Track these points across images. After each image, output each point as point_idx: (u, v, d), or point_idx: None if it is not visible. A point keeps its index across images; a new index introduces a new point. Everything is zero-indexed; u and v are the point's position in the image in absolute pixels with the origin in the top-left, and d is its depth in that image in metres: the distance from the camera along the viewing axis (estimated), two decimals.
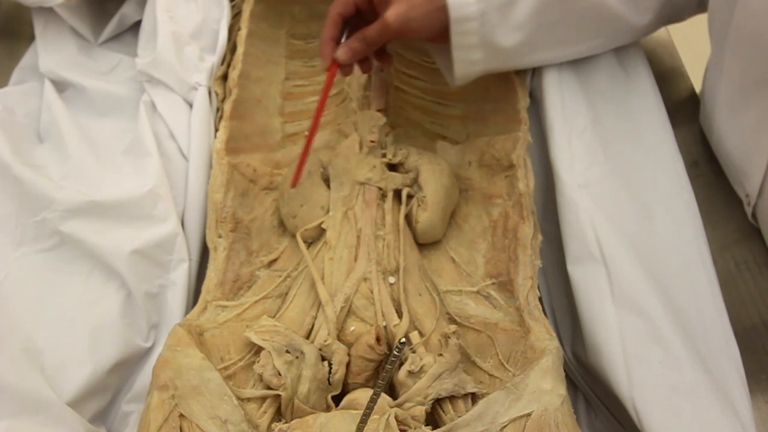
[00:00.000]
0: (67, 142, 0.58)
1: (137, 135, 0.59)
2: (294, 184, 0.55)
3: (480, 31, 0.52)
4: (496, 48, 0.53)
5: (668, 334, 0.46)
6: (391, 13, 0.51)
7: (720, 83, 0.56)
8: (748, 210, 0.58)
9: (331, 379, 0.45)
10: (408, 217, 0.55)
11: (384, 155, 0.57)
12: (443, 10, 0.51)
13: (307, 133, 0.57)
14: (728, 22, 0.50)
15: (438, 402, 0.44)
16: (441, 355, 0.44)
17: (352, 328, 0.48)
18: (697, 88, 0.68)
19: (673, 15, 0.61)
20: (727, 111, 0.57)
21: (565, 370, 0.44)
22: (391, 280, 0.50)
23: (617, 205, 0.53)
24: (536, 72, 0.65)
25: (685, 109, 0.66)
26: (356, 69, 0.65)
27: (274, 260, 0.55)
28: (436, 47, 0.58)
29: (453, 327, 0.46)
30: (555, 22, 0.55)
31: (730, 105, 0.56)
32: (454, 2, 0.51)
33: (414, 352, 0.46)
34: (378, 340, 0.45)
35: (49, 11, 0.67)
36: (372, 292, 0.49)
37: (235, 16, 0.69)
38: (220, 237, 0.54)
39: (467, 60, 0.54)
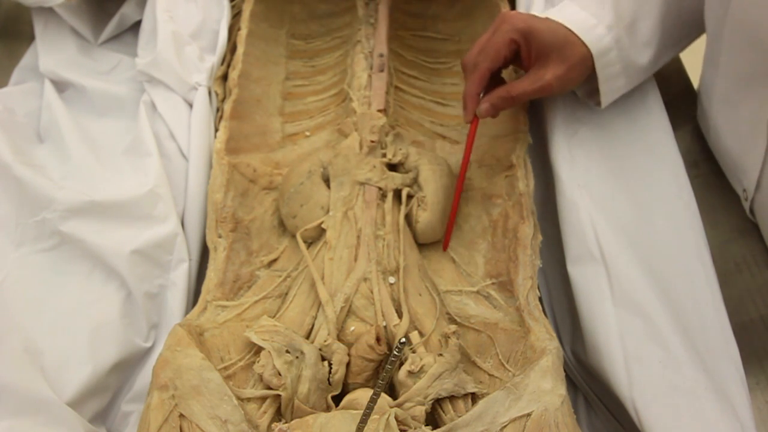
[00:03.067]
0: (67, 142, 0.58)
1: (137, 135, 0.59)
2: (445, 248, 0.56)
3: (619, 57, 0.53)
4: (636, 68, 0.55)
5: (668, 334, 0.46)
6: (552, 76, 0.52)
7: (716, 78, 0.56)
8: (746, 205, 0.58)
9: (331, 379, 0.45)
10: (408, 217, 0.55)
11: (384, 155, 0.57)
12: (588, 58, 0.52)
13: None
14: (724, 16, 0.50)
15: (438, 402, 0.44)
16: (441, 355, 0.44)
17: (352, 328, 0.48)
18: (697, 88, 0.68)
19: None
20: (724, 105, 0.57)
21: (565, 370, 0.44)
22: (391, 280, 0.50)
23: (617, 205, 0.53)
24: None
25: (684, 109, 0.66)
26: (356, 69, 0.65)
27: (274, 260, 0.55)
28: None
29: (453, 327, 0.46)
30: (672, 26, 0.56)
31: (726, 99, 0.56)
32: (590, 40, 0.52)
33: (414, 352, 0.46)
34: (378, 340, 0.45)
35: (49, 11, 0.67)
36: (372, 292, 0.49)
37: (235, 16, 0.69)
38: (220, 237, 0.54)
39: (613, 89, 0.55)
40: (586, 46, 0.52)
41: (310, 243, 0.54)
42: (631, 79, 0.55)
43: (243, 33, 0.66)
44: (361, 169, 0.55)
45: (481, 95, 0.55)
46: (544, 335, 0.46)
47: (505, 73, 0.59)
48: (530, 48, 0.53)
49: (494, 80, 0.56)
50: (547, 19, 0.53)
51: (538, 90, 0.53)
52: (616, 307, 0.48)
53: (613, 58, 0.53)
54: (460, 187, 0.56)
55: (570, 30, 0.52)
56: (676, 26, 0.56)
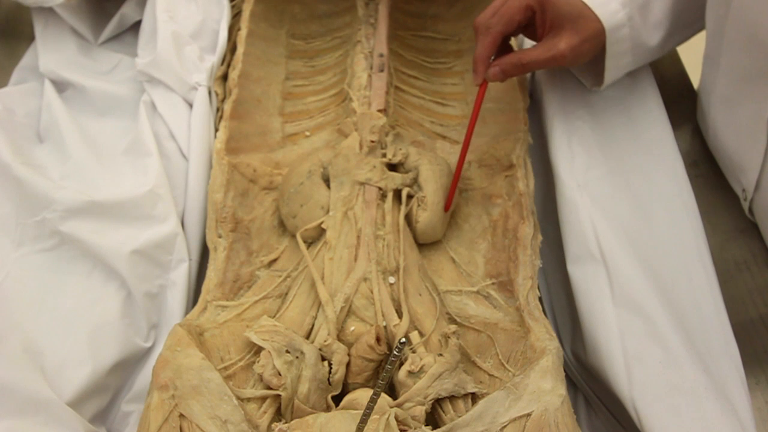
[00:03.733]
0: (67, 142, 0.58)
1: (137, 135, 0.59)
2: (447, 209, 0.56)
3: (630, 35, 0.53)
4: (644, 48, 0.55)
5: (668, 334, 0.46)
6: (566, 46, 0.52)
7: (716, 77, 0.56)
8: (745, 205, 0.58)
9: (331, 379, 0.45)
10: (408, 217, 0.55)
11: (384, 155, 0.57)
12: (601, 33, 0.52)
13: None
14: (725, 17, 0.51)
15: (438, 402, 0.44)
16: (441, 355, 0.44)
17: (352, 328, 0.48)
18: (697, 88, 0.68)
19: None
20: (723, 105, 0.57)
21: (565, 370, 0.44)
22: (391, 280, 0.50)
23: (617, 205, 0.53)
24: (536, 73, 0.65)
25: (684, 109, 0.66)
26: (356, 69, 0.65)
27: (274, 260, 0.55)
28: None
29: (453, 327, 0.46)
30: (683, 9, 0.56)
31: (726, 99, 0.56)
32: (604, 14, 0.52)
33: (414, 352, 0.46)
34: (378, 340, 0.45)
35: (49, 11, 0.67)
36: (372, 292, 0.49)
37: (235, 16, 0.69)
38: (220, 237, 0.54)
39: (618, 66, 0.55)
40: (599, 21, 0.52)
41: (310, 243, 0.54)
42: (637, 58, 0.56)
43: (243, 33, 0.66)
44: (361, 169, 0.55)
45: (492, 59, 0.55)
46: (544, 335, 0.46)
47: None
48: (545, 16, 0.53)
49: (502, 46, 0.55)
50: None
51: (550, 59, 0.52)
52: (616, 307, 0.48)
53: (624, 35, 0.53)
54: (467, 144, 0.54)
55: (585, 3, 0.52)
56: (686, 10, 0.57)
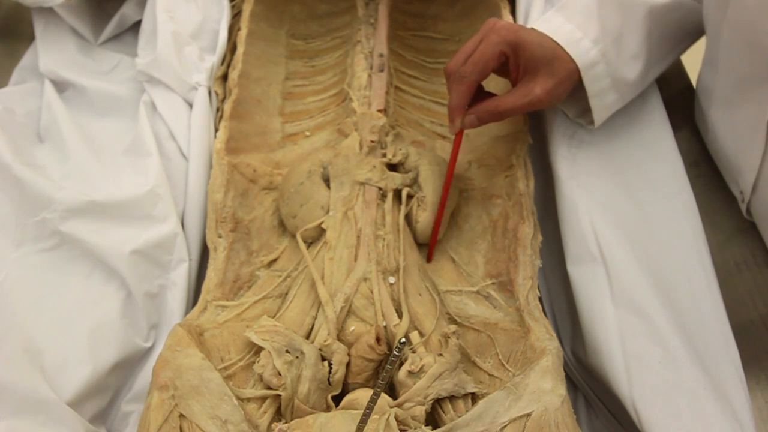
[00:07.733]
0: (67, 142, 0.58)
1: (137, 135, 0.59)
2: (429, 260, 0.56)
3: (607, 71, 0.53)
4: (625, 82, 0.54)
5: (668, 334, 0.46)
6: (542, 90, 0.51)
7: (715, 79, 0.56)
8: (743, 207, 0.58)
9: (331, 379, 0.45)
10: (408, 217, 0.55)
11: (384, 155, 0.57)
12: (575, 72, 0.52)
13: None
14: (723, 18, 0.51)
15: (438, 402, 0.44)
16: (441, 355, 0.44)
17: (352, 328, 0.48)
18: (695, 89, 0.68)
19: None
20: (722, 107, 0.57)
21: (565, 370, 0.44)
22: (391, 280, 0.50)
23: (617, 204, 0.53)
24: None
25: (684, 108, 0.66)
26: (356, 69, 0.65)
27: (274, 260, 0.55)
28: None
29: (453, 327, 0.46)
30: (660, 38, 0.56)
31: (724, 101, 0.56)
32: (576, 54, 0.51)
33: (414, 352, 0.46)
34: (378, 340, 0.45)
35: (49, 11, 0.67)
36: (372, 292, 0.49)
37: (235, 16, 0.69)
38: (220, 237, 0.54)
39: (604, 105, 0.55)
40: (573, 61, 0.51)
41: (310, 243, 0.54)
42: (622, 94, 0.55)
43: (243, 33, 0.66)
44: (361, 169, 0.55)
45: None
46: (544, 335, 0.46)
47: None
48: (519, 60, 0.52)
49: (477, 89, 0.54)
50: (534, 30, 0.52)
51: (527, 105, 0.52)
52: (616, 307, 0.48)
53: (600, 72, 0.53)
54: (444, 202, 0.54)
55: (557, 43, 0.52)
56: (663, 38, 0.56)
